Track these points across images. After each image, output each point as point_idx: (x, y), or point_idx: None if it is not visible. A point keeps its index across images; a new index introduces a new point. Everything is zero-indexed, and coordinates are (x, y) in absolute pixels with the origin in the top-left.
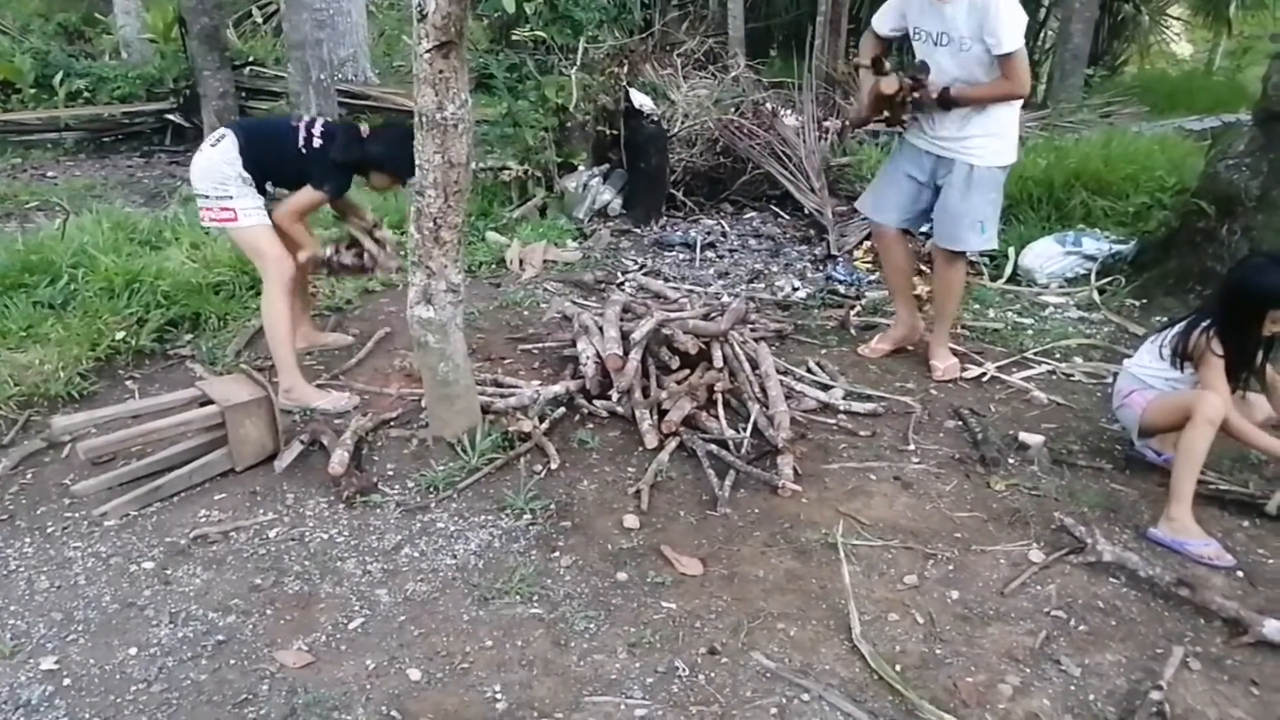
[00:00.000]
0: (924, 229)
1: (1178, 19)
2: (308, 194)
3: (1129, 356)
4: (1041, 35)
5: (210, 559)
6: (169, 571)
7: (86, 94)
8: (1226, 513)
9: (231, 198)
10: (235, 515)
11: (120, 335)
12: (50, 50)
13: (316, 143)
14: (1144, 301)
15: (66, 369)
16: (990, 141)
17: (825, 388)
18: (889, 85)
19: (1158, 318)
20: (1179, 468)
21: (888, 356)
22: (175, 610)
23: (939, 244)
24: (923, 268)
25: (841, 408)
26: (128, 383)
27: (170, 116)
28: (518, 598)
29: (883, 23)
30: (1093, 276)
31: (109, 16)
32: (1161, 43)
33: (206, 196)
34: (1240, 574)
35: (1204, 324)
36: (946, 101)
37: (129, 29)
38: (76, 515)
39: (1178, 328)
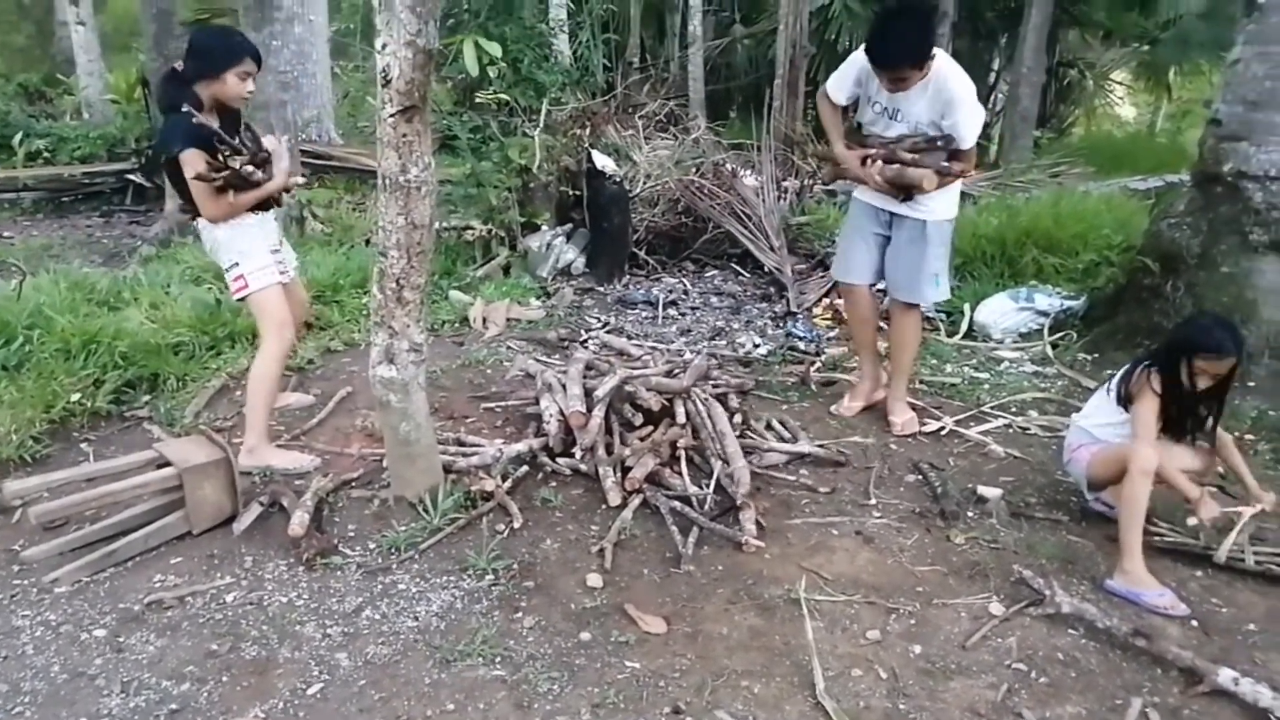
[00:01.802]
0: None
1: (1121, 84)
2: (185, 167)
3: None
4: (992, 98)
5: (165, 625)
6: (121, 639)
7: (46, 154)
8: (1180, 564)
9: (239, 264)
10: (191, 579)
11: (76, 397)
12: (10, 110)
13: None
14: (1095, 356)
15: (19, 431)
16: (938, 197)
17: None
18: (930, 182)
19: (1109, 371)
20: (1123, 520)
21: (869, 407)
22: (127, 679)
23: (897, 298)
24: (881, 324)
25: (806, 451)
26: (83, 445)
27: (131, 176)
28: (480, 659)
29: (840, 93)
30: (1045, 332)
31: (71, 77)
32: (1106, 106)
33: (225, 272)
34: (1195, 623)
35: (1145, 363)
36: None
37: (91, 90)
38: (25, 582)
39: (1123, 372)
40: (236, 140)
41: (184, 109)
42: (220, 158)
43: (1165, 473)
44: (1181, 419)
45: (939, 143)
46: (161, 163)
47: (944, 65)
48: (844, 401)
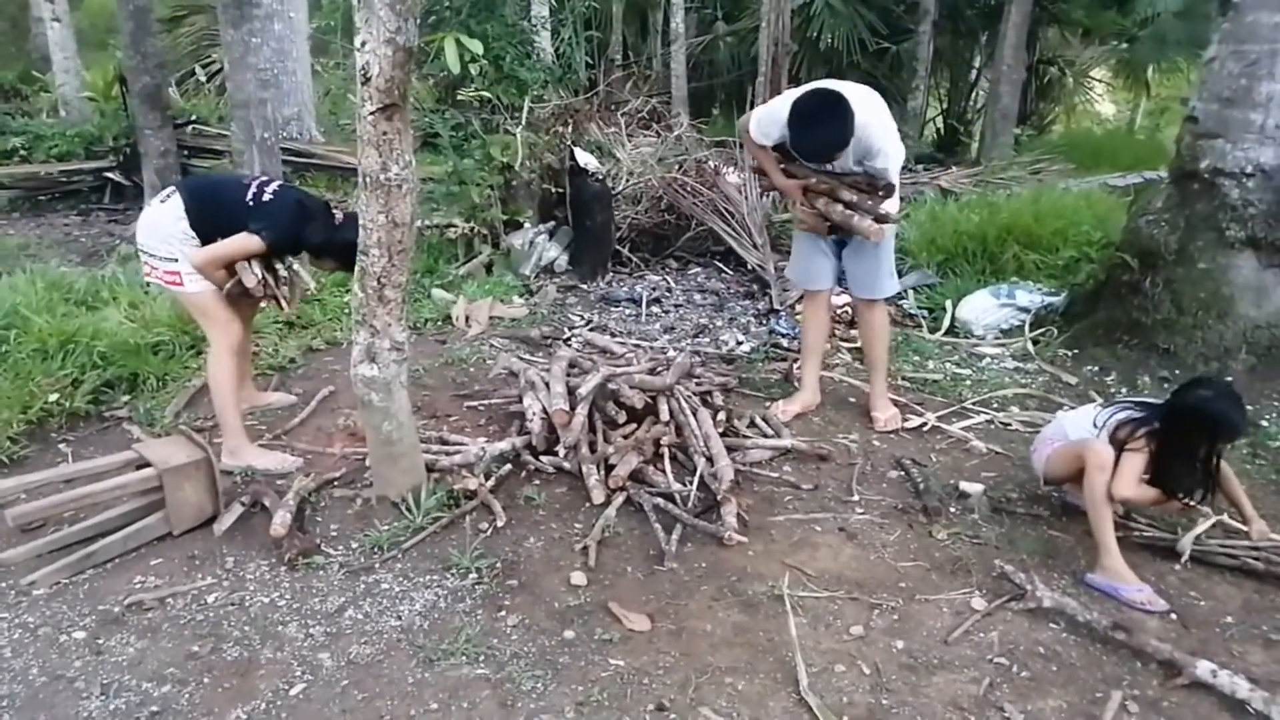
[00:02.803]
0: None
1: (1100, 81)
2: (240, 239)
3: (1063, 405)
4: (973, 96)
5: (145, 627)
6: (101, 641)
7: (23, 152)
8: (1158, 558)
9: (177, 260)
10: (172, 580)
11: (54, 397)
12: None
13: (267, 197)
14: (1075, 351)
15: None
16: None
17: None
18: (878, 235)
19: (1089, 367)
20: (1093, 518)
21: (801, 415)
22: (107, 681)
23: (861, 296)
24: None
25: (789, 446)
26: (61, 446)
27: (110, 175)
28: (464, 658)
29: (766, 139)
30: (1026, 328)
31: (47, 75)
32: (1086, 103)
33: (152, 255)
34: (1173, 617)
35: (1151, 426)
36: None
37: (68, 87)
38: (3, 585)
39: (1124, 415)
40: (287, 265)
41: (302, 227)
42: (272, 268)
43: (1132, 501)
44: (1174, 479)
45: (879, 188)
46: (285, 228)
47: (866, 120)
48: (780, 405)
